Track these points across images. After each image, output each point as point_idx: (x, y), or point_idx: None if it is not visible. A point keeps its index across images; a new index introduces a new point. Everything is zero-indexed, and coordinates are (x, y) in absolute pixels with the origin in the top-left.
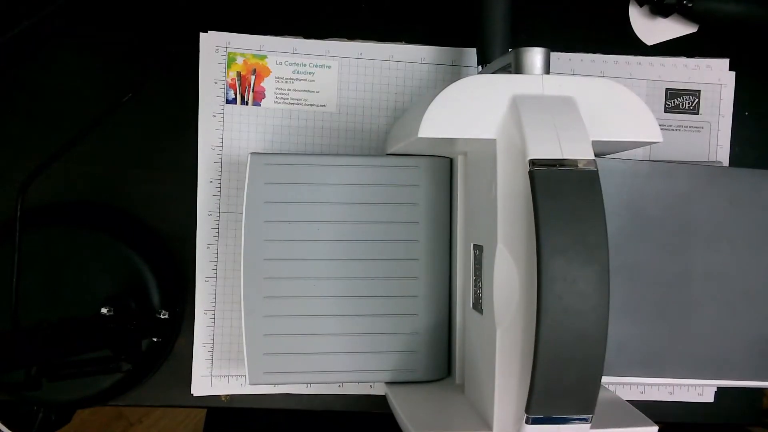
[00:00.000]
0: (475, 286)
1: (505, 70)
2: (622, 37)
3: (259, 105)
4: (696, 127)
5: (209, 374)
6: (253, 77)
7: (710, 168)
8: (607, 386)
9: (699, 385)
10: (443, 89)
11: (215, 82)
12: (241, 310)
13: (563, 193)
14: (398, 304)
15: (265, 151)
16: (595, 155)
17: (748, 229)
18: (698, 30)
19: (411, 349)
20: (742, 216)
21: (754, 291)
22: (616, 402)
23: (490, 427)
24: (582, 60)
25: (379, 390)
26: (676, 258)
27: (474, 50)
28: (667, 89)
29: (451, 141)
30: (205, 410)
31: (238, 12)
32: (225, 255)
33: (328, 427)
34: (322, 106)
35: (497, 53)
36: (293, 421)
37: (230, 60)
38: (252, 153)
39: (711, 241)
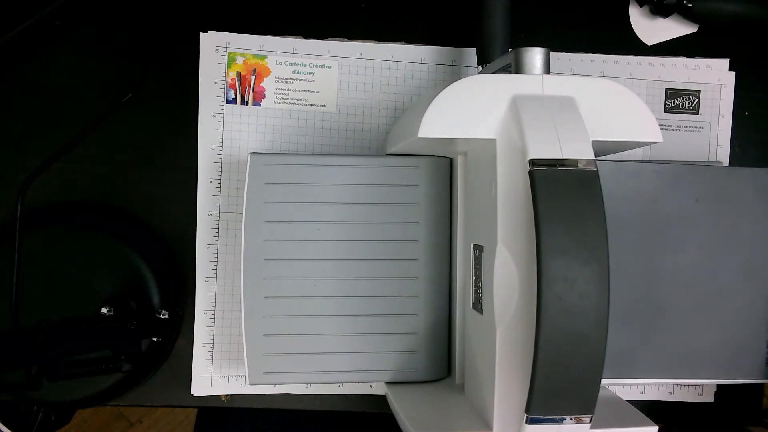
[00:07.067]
0: (475, 286)
1: (505, 70)
2: (622, 37)
3: (259, 105)
4: (696, 127)
5: (209, 374)
6: (253, 77)
7: (684, 167)
8: (607, 386)
9: (671, 384)
10: (443, 89)
11: (215, 82)
12: (241, 310)
13: (563, 193)
14: (398, 304)
15: (265, 151)
16: (595, 155)
17: (746, 228)
18: (698, 30)
19: (411, 349)
20: (741, 215)
21: (737, 287)
22: (616, 402)
23: (490, 427)
24: (582, 60)
25: (379, 390)
26: (675, 258)
27: (474, 50)
28: (667, 89)
29: (451, 141)
30: (201, 412)
31: (238, 12)
32: (225, 255)
33: (328, 427)
34: (322, 106)
35: (497, 53)
36: (293, 421)
37: (230, 60)
38: (252, 153)
39: (708, 241)
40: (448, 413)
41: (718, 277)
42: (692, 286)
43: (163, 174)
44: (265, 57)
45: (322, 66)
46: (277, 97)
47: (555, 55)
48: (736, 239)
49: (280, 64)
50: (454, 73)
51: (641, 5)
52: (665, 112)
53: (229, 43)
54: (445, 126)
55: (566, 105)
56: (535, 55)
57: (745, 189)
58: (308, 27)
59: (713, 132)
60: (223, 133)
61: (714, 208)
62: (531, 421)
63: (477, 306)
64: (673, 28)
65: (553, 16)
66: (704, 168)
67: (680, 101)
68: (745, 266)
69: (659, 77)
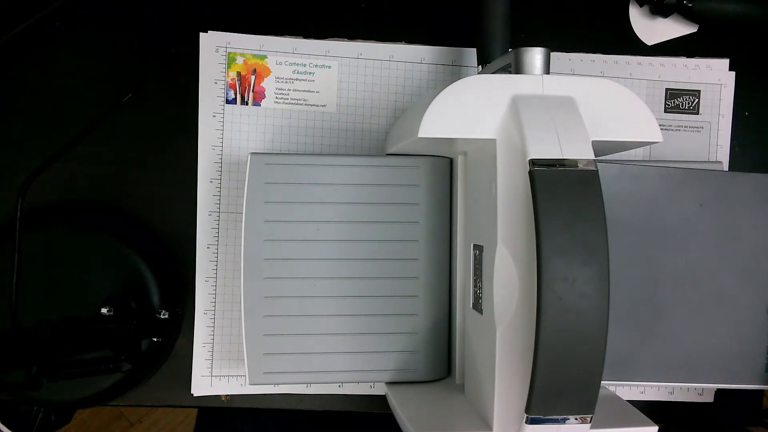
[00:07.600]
0: (475, 286)
1: (505, 70)
2: (622, 37)
3: (259, 105)
4: (696, 127)
5: (209, 374)
6: (253, 77)
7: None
8: (607, 386)
9: (669, 387)
10: (443, 89)
11: (215, 82)
12: (241, 310)
13: (563, 193)
14: (398, 304)
15: (265, 151)
16: (595, 155)
17: (747, 233)
18: (698, 30)
19: (411, 349)
20: (742, 220)
21: (737, 293)
22: (616, 402)
23: (490, 427)
24: (582, 60)
25: (379, 390)
26: (676, 261)
27: (474, 50)
28: (667, 89)
29: (451, 141)
30: (201, 412)
31: (238, 12)
32: (225, 255)
33: (328, 427)
34: (322, 106)
35: (497, 53)
36: (293, 421)
37: (230, 60)
38: (252, 153)
39: (709, 245)
40: (448, 413)
41: (719, 282)
42: (693, 289)
43: (163, 174)
44: (265, 57)
45: (322, 66)
46: (277, 97)
47: (555, 55)
48: (737, 244)
49: (280, 64)
50: (454, 73)
51: (641, 5)
52: (665, 112)
53: (229, 43)
54: (445, 126)
55: (566, 105)
56: (535, 55)
57: (746, 194)
58: (308, 27)
59: (713, 132)
60: (223, 133)
61: (715, 213)
62: (531, 421)
63: (477, 306)
64: (673, 28)
65: (553, 16)
66: (706, 172)
67: (680, 101)
68: (745, 271)
69: (659, 77)
